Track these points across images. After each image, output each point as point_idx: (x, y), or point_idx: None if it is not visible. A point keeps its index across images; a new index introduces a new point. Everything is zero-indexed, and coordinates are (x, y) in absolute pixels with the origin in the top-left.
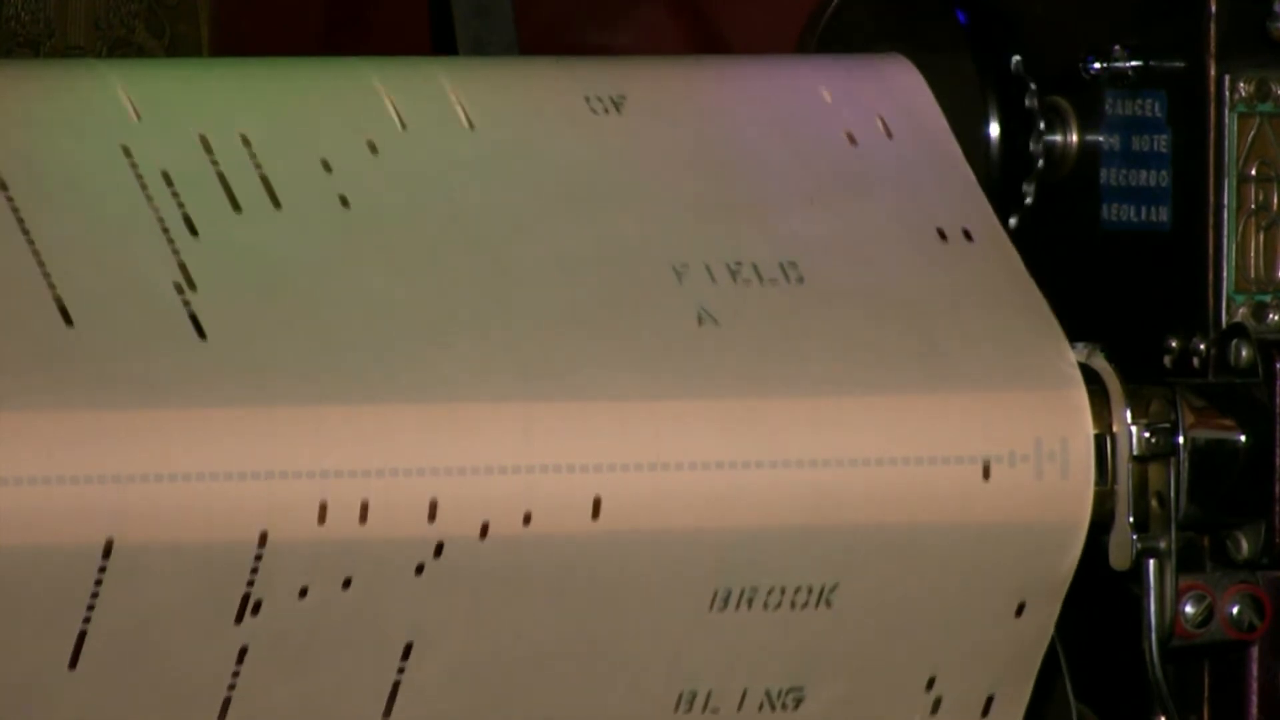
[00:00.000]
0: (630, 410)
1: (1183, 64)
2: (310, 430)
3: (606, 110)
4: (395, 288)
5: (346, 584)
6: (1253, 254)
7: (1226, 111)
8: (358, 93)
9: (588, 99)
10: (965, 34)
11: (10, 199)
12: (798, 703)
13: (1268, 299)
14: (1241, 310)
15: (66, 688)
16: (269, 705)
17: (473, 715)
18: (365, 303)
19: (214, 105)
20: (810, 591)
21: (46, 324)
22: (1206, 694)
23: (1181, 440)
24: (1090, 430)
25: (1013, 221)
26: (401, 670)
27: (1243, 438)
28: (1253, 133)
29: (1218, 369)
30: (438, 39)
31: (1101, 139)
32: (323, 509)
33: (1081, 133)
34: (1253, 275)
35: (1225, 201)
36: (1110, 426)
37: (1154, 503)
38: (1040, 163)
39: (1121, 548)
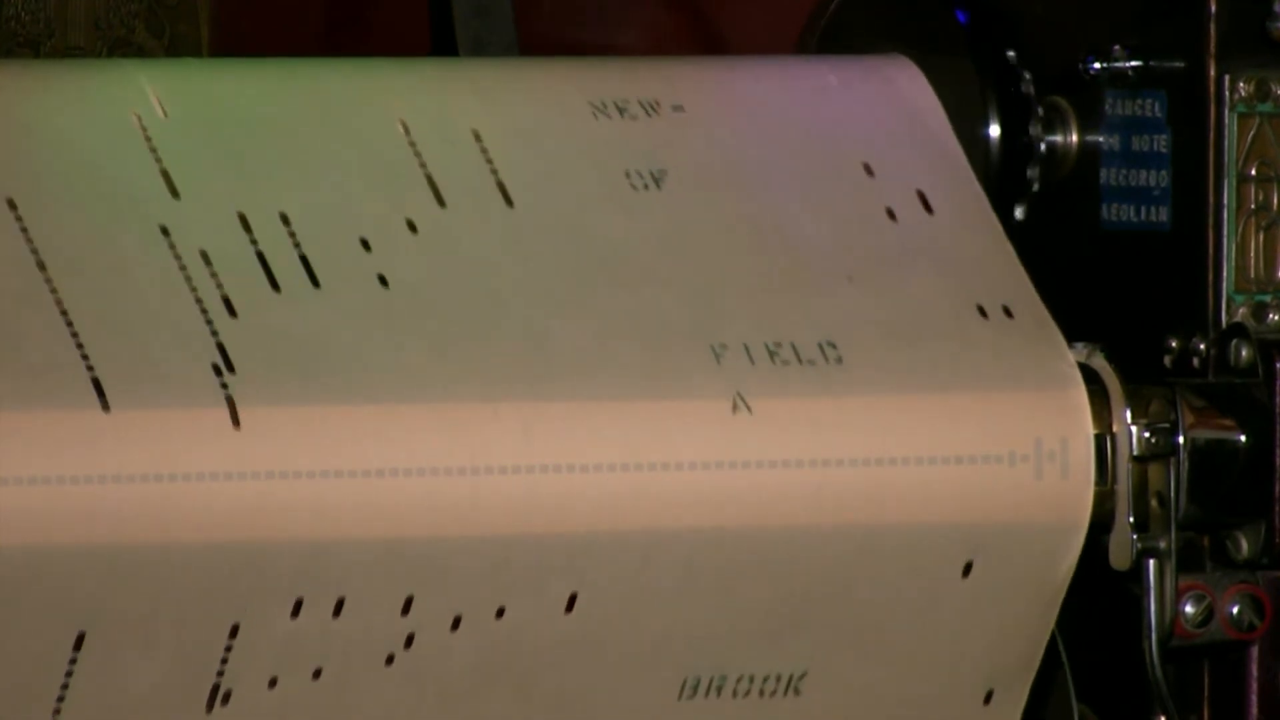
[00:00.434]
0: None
1: (1183, 64)
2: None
3: (646, 186)
4: (434, 366)
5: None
6: (1253, 254)
7: (1226, 111)
8: (397, 169)
9: (628, 174)
10: (965, 34)
11: (49, 279)
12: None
13: (1268, 299)
14: (1241, 310)
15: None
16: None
17: None
18: (405, 381)
19: (253, 182)
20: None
21: (83, 403)
22: (1206, 694)
23: (1181, 440)
24: (1090, 430)
25: (1018, 213)
26: None
27: (1243, 438)
28: (1253, 133)
29: (1218, 369)
30: (438, 39)
31: (1101, 139)
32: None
33: (1081, 133)
34: (1253, 275)
35: (1225, 201)
36: (1110, 426)
37: (1154, 503)
38: (1040, 163)
39: (1121, 548)
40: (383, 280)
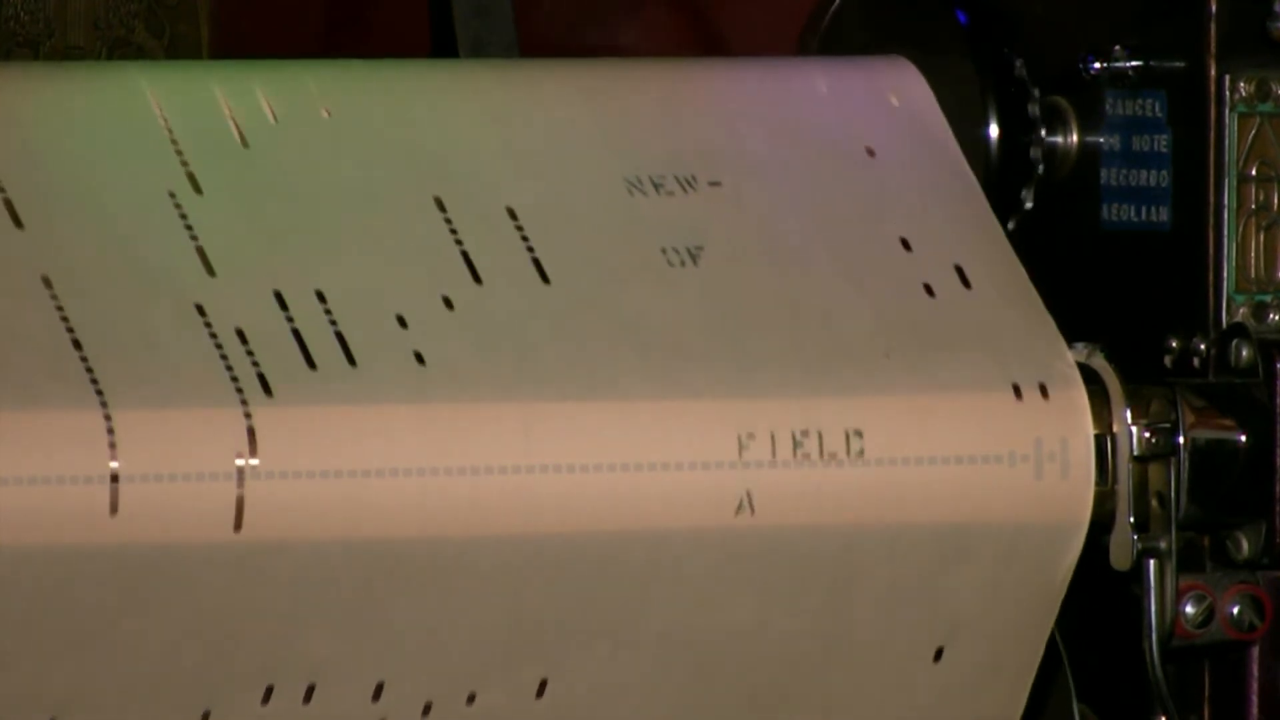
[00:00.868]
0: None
1: (1183, 64)
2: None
3: (683, 263)
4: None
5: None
6: (1253, 254)
7: (1226, 111)
8: (433, 245)
9: (664, 250)
10: (965, 34)
11: (84, 358)
12: None
13: (1268, 299)
14: (1241, 310)
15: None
16: None
17: None
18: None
19: (289, 259)
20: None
21: (103, 478)
22: (1206, 694)
23: (1182, 440)
24: (1090, 430)
25: (1011, 224)
26: None
27: (1243, 438)
28: (1253, 133)
29: (1218, 369)
30: (438, 39)
31: (1101, 139)
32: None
33: (1081, 133)
34: (1253, 275)
35: (1225, 201)
36: (1110, 426)
37: (1154, 503)
38: (1040, 163)
39: (1122, 548)
40: (419, 358)
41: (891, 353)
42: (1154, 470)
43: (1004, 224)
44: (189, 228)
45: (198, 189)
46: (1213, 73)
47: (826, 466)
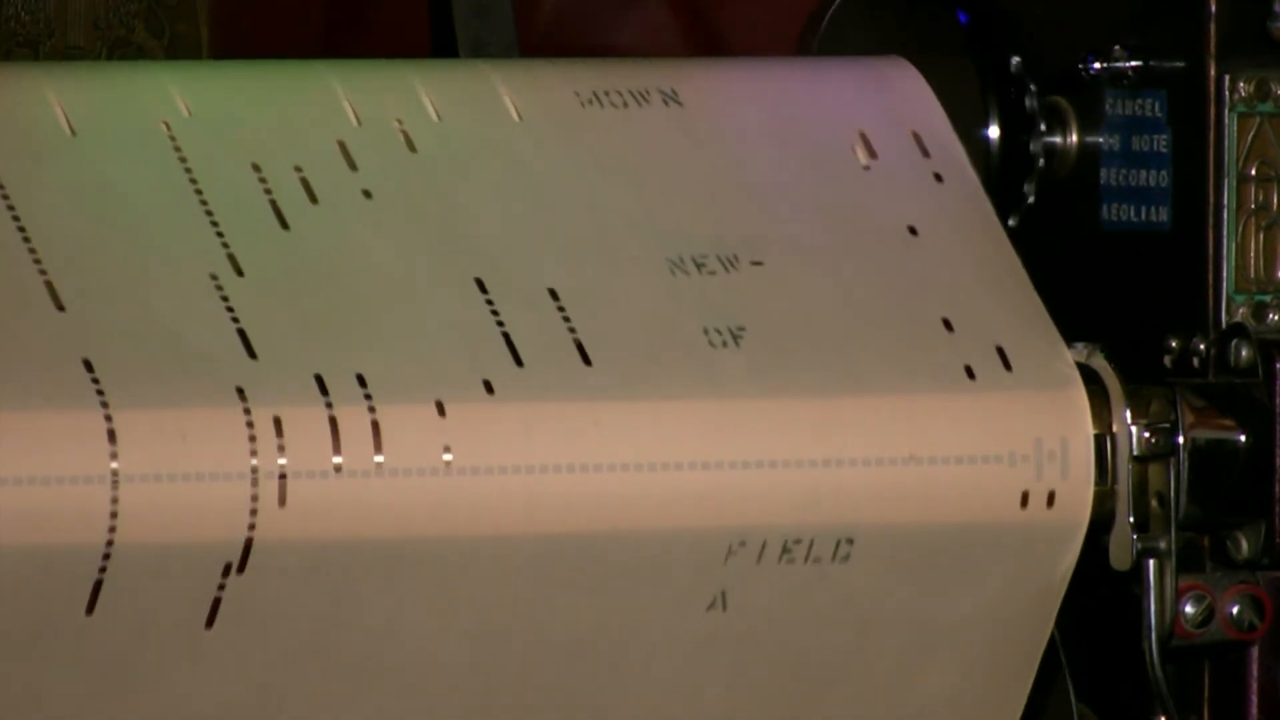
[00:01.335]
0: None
1: (1183, 64)
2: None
3: (725, 344)
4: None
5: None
6: (1253, 254)
7: (1226, 111)
8: (475, 328)
9: (706, 330)
10: (965, 34)
11: (114, 452)
12: None
13: (1268, 299)
14: (1241, 310)
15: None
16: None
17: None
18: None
19: (330, 341)
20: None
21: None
22: (1206, 694)
23: (1181, 440)
24: (1090, 430)
25: (1012, 221)
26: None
27: (1243, 438)
28: (1253, 133)
29: (1218, 369)
30: (438, 39)
31: (1101, 139)
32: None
33: (1081, 133)
34: (1253, 275)
35: (1225, 201)
36: (1110, 426)
37: (1154, 503)
38: (1040, 163)
39: (1121, 548)
40: (446, 449)
41: (915, 455)
42: (1154, 470)
43: (1004, 223)
44: (230, 310)
45: (239, 271)
46: (1212, 73)
47: (808, 567)
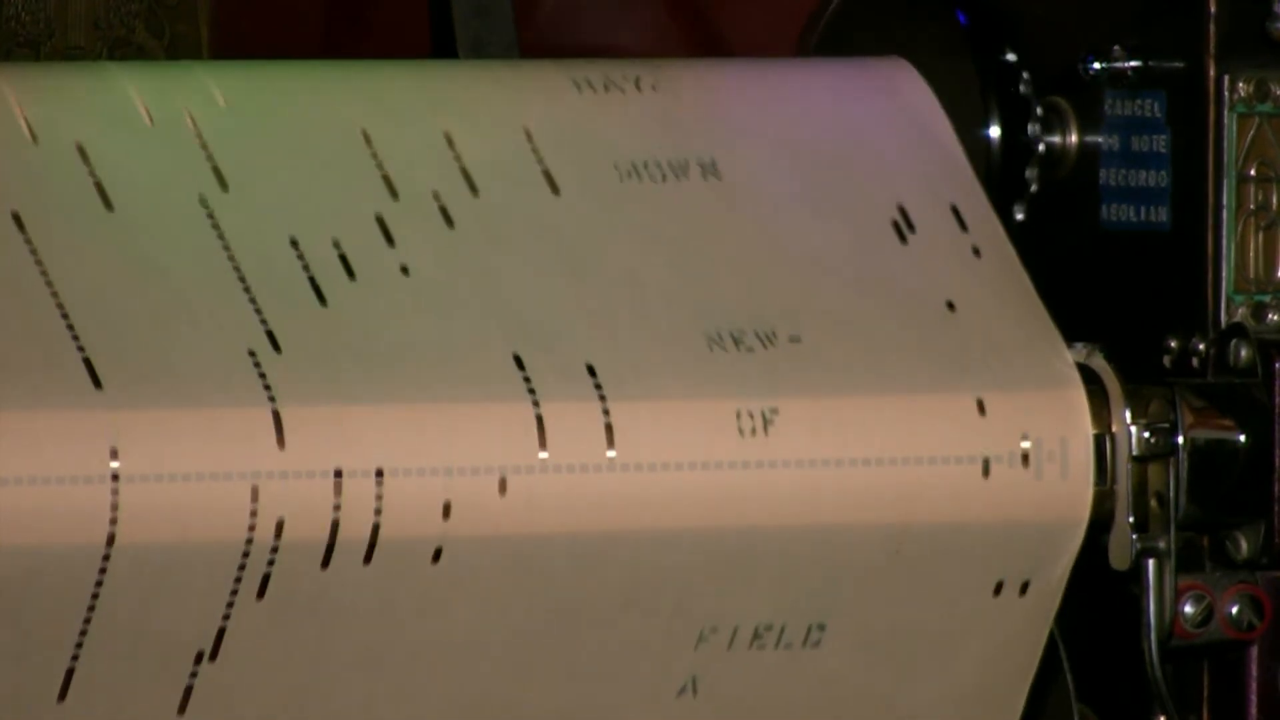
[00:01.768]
0: None
1: (1183, 64)
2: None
3: (754, 431)
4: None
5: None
6: (1252, 254)
7: (1226, 111)
8: (509, 404)
9: (738, 414)
10: (965, 34)
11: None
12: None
13: (1267, 299)
14: (1241, 310)
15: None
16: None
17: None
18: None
19: (351, 439)
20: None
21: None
22: (1206, 694)
23: (1181, 440)
24: (1090, 430)
25: (1019, 215)
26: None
27: (1242, 438)
28: (1252, 133)
29: (1217, 369)
30: (438, 39)
31: (1101, 139)
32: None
33: (1081, 133)
34: (1252, 275)
35: (1225, 201)
36: (1110, 426)
37: (1154, 503)
38: (1040, 163)
39: (1121, 548)
40: (437, 555)
41: (900, 552)
42: (1153, 470)
43: (1004, 223)
44: (268, 387)
45: (276, 347)
46: (1212, 73)
47: (780, 653)
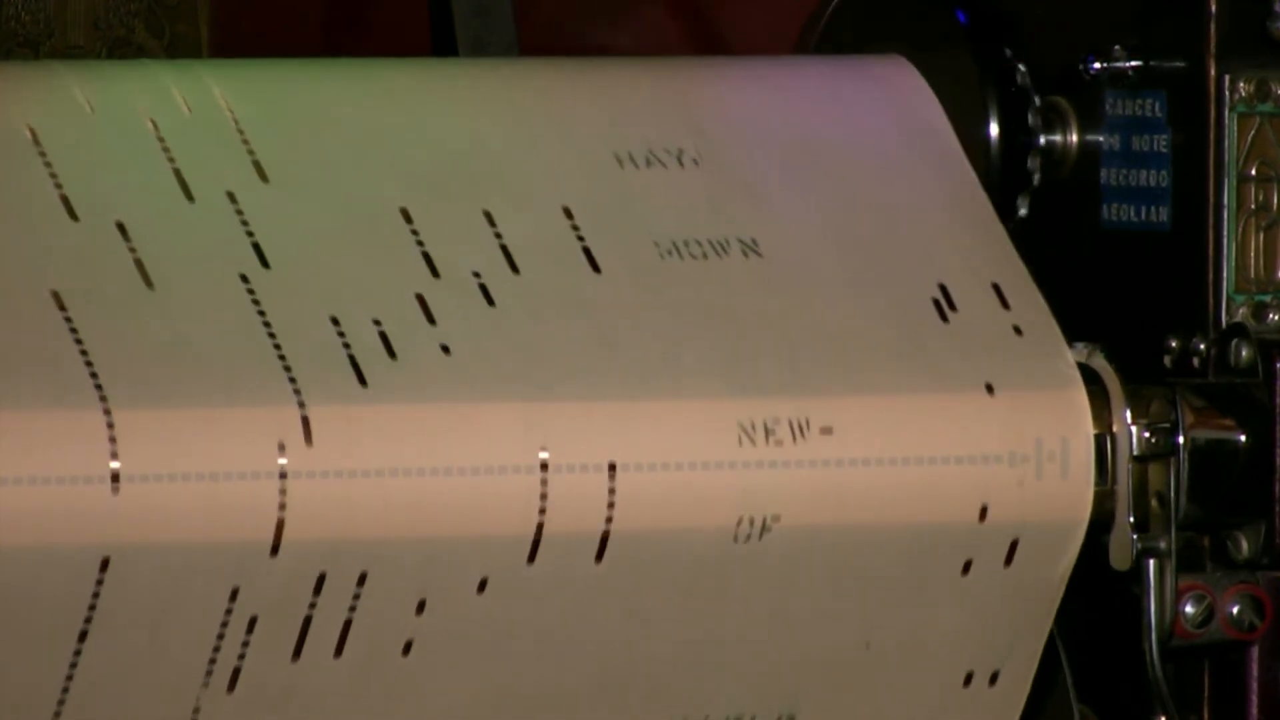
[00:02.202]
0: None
1: (1183, 64)
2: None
3: (748, 538)
4: None
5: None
6: (1253, 254)
7: (1226, 111)
8: (516, 504)
9: (739, 521)
10: (965, 33)
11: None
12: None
13: (1268, 299)
14: (1241, 310)
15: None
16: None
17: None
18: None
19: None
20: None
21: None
22: (1206, 694)
23: (1181, 440)
24: (1090, 430)
25: (1022, 211)
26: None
27: (1243, 438)
28: (1253, 133)
29: (1218, 369)
30: (438, 39)
31: (1101, 139)
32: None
33: (1081, 133)
34: (1253, 275)
35: (1225, 201)
36: (1110, 426)
37: (1154, 503)
38: (1040, 163)
39: (1122, 548)
40: (406, 646)
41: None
42: (1154, 470)
43: (1004, 223)
44: (281, 492)
45: (309, 440)
46: (1213, 73)
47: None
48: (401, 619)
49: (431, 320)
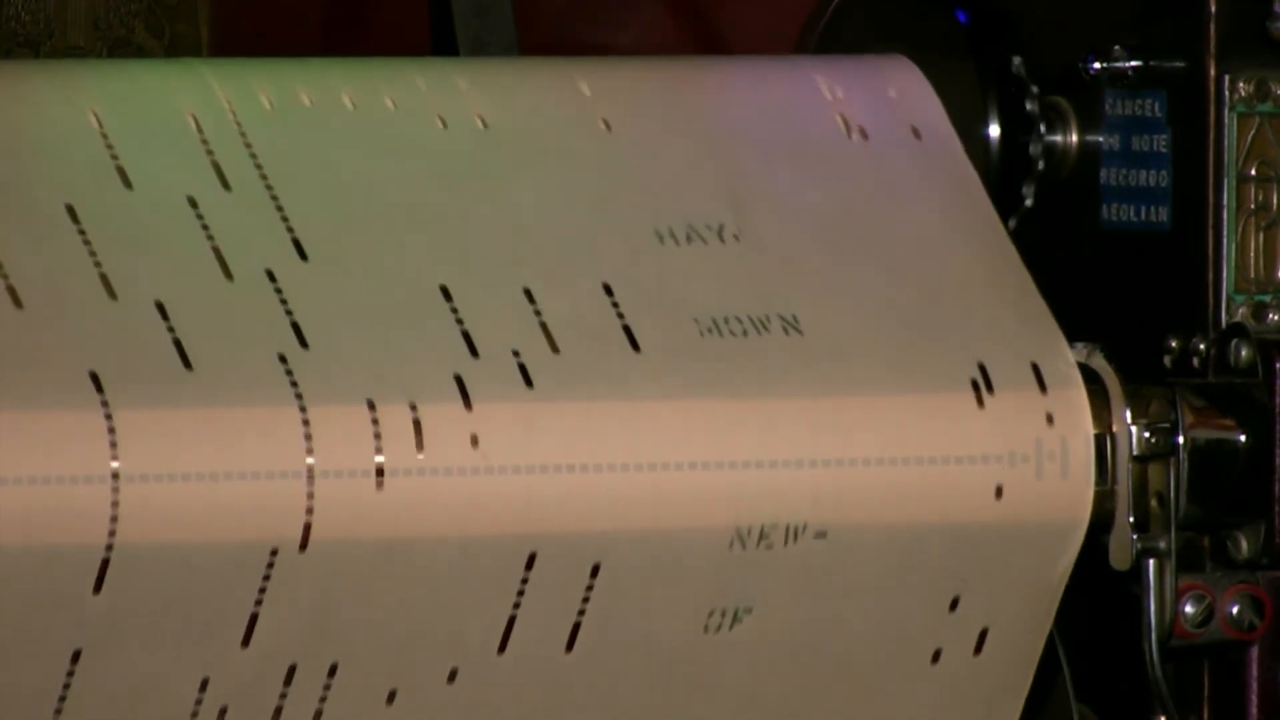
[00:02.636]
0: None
1: (1183, 64)
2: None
3: (718, 628)
4: None
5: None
6: (1253, 254)
7: (1226, 111)
8: (493, 587)
9: (710, 613)
10: (965, 34)
11: None
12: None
13: (1267, 299)
14: (1241, 310)
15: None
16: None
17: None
18: None
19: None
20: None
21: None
22: (1206, 694)
23: (1181, 440)
24: (1090, 430)
25: (1012, 222)
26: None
27: (1243, 438)
28: (1252, 133)
29: (1218, 369)
30: (438, 39)
31: (1101, 139)
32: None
33: (1081, 133)
34: (1253, 275)
35: (1225, 201)
36: (1110, 426)
37: (1154, 503)
38: (1040, 163)
39: (1121, 548)
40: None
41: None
42: (1154, 470)
43: (1004, 223)
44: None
45: (312, 534)
46: (1212, 73)
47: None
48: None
49: (468, 404)
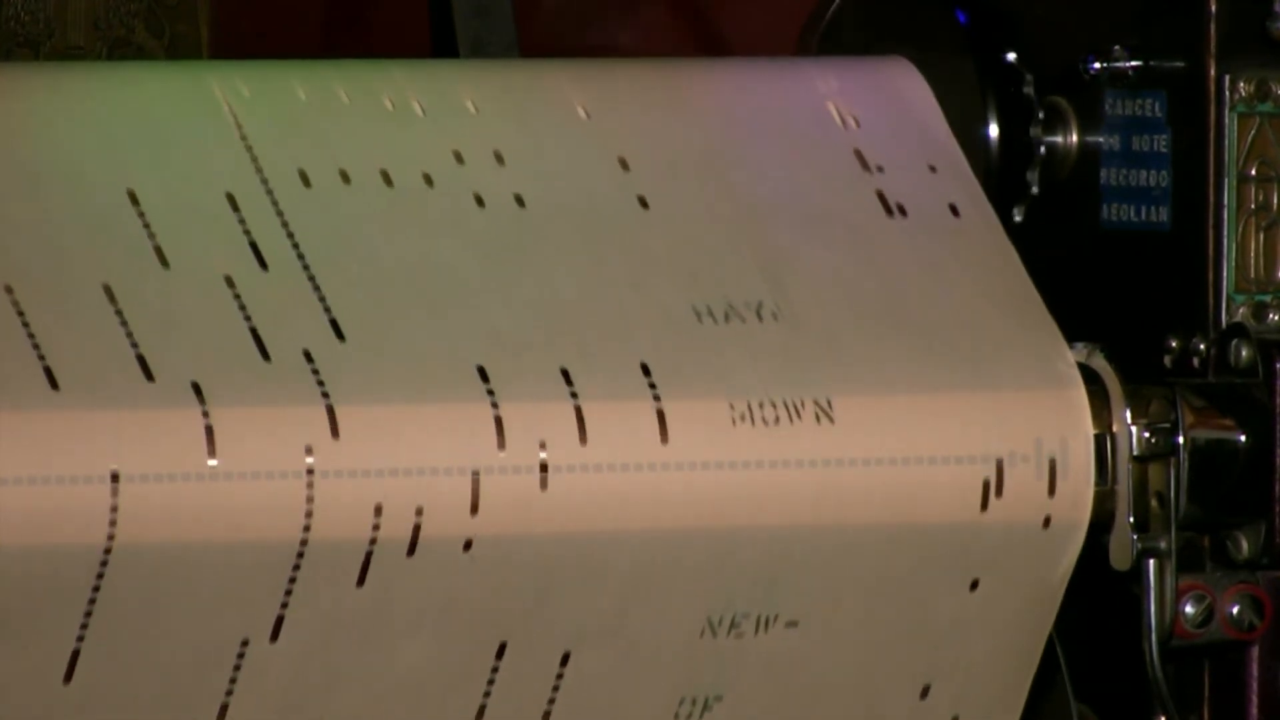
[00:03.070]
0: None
1: (1183, 64)
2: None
3: (689, 716)
4: None
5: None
6: (1253, 254)
7: (1226, 111)
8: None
9: (681, 701)
10: (966, 34)
11: None
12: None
13: (1268, 299)
14: (1241, 310)
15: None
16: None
17: None
18: None
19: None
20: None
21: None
22: (1206, 694)
23: (1181, 440)
24: (1090, 430)
25: (1017, 215)
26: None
27: (1243, 438)
28: (1253, 133)
29: (1218, 369)
30: (438, 39)
31: (1101, 139)
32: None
33: (1081, 133)
34: (1253, 275)
35: (1225, 201)
36: (1110, 426)
37: (1154, 503)
38: (1040, 163)
39: (1121, 548)
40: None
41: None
42: (1154, 470)
43: (1010, 215)
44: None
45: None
46: (1213, 73)
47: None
48: None
49: (475, 511)
